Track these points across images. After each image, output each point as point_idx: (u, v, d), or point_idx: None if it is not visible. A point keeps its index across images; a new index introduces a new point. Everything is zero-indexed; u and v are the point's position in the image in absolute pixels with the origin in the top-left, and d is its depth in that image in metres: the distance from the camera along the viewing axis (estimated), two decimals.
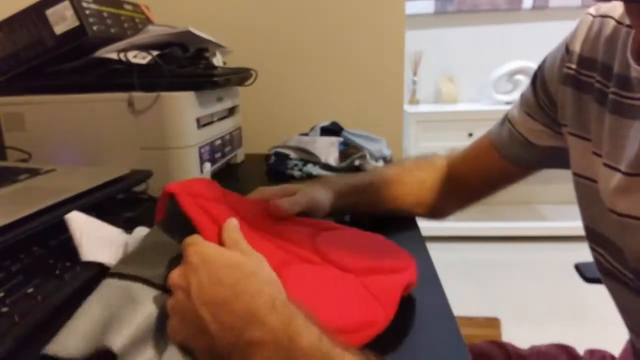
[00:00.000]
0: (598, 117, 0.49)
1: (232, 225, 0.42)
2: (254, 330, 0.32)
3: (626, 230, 0.45)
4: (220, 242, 0.41)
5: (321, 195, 0.60)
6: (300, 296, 0.37)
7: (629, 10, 0.44)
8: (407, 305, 0.45)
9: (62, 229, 0.49)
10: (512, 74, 2.46)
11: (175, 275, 0.37)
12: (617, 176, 0.45)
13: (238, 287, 0.34)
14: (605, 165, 0.47)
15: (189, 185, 0.46)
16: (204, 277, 0.35)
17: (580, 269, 0.88)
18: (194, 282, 0.35)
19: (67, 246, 0.50)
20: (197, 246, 0.38)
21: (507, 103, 2.43)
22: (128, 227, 0.54)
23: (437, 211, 0.72)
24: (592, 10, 0.53)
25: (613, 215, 0.46)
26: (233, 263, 0.37)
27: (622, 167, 0.44)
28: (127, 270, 0.41)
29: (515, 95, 2.41)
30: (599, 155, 0.49)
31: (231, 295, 0.34)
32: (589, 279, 0.86)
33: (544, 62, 0.59)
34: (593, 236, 0.54)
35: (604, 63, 0.49)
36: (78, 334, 0.35)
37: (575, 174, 0.55)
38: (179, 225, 0.43)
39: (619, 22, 0.48)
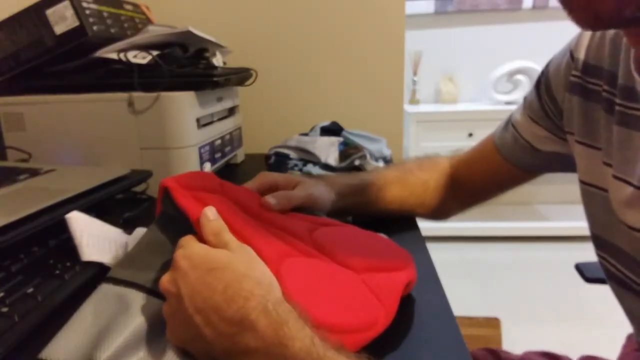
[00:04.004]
0: (606, 126, 0.48)
1: (210, 214, 0.40)
2: (246, 336, 0.32)
3: (636, 242, 0.44)
4: None
5: (322, 192, 0.60)
6: (299, 291, 0.36)
7: (628, 34, 0.42)
8: (407, 305, 0.45)
9: (62, 229, 0.49)
10: (512, 74, 2.45)
11: (166, 281, 0.36)
12: (629, 190, 0.44)
13: (229, 291, 0.33)
14: (615, 177, 0.46)
15: (185, 178, 0.45)
16: (194, 282, 0.34)
17: (580, 269, 0.87)
18: (185, 289, 0.34)
19: (67, 246, 0.50)
20: (186, 249, 0.37)
21: (507, 103, 2.43)
22: (128, 227, 0.54)
23: (439, 212, 0.72)
24: None
25: (623, 226, 0.45)
26: (222, 265, 0.35)
27: (634, 181, 0.43)
28: (122, 275, 0.41)
29: (515, 95, 2.41)
30: (610, 166, 0.47)
31: (222, 301, 0.33)
32: (589, 279, 0.86)
33: (547, 66, 0.58)
34: (602, 244, 0.53)
35: (610, 71, 0.48)
36: (69, 345, 0.35)
37: (583, 182, 0.53)
38: (175, 220, 0.43)
39: None
